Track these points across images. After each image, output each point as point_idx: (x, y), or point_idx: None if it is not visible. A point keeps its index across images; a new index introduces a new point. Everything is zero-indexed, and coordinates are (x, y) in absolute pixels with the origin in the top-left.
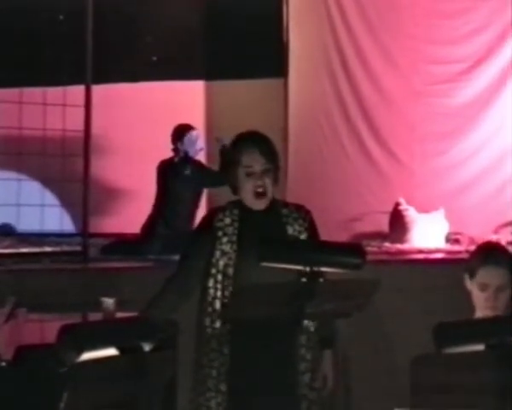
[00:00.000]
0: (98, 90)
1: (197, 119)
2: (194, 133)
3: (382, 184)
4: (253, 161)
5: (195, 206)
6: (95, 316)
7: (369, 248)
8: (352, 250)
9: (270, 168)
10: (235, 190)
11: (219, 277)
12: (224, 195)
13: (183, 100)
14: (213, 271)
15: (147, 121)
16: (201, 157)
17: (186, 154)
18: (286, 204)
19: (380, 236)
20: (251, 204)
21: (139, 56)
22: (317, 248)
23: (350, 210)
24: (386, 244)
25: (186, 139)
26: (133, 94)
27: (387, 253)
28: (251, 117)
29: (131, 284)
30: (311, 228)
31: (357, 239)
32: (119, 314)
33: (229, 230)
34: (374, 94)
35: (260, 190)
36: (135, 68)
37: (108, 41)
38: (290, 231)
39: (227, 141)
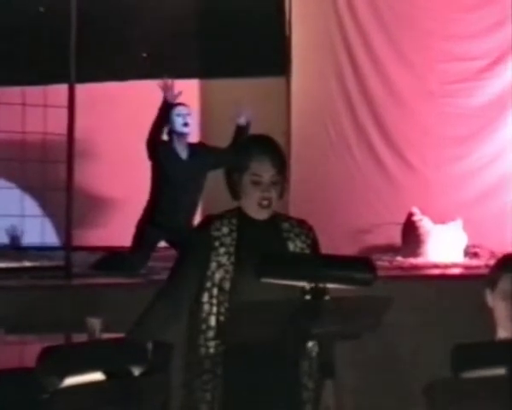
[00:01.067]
0: (82, 89)
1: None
2: (180, 108)
3: (394, 193)
4: (263, 170)
5: (196, 193)
6: (79, 337)
7: (379, 263)
8: (361, 265)
9: (279, 180)
10: (236, 195)
11: (215, 291)
12: (223, 199)
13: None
14: (208, 284)
15: (136, 124)
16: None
17: (170, 131)
18: (287, 218)
19: (391, 249)
20: (253, 213)
21: (127, 52)
22: (322, 263)
23: (358, 221)
24: (399, 258)
25: (172, 115)
26: (121, 94)
27: (400, 268)
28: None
29: (119, 302)
30: (314, 246)
31: (366, 253)
32: (106, 335)
33: (227, 240)
34: (385, 94)
35: (265, 202)
36: (122, 66)
37: (94, 36)
38: (291, 247)
39: (244, 118)
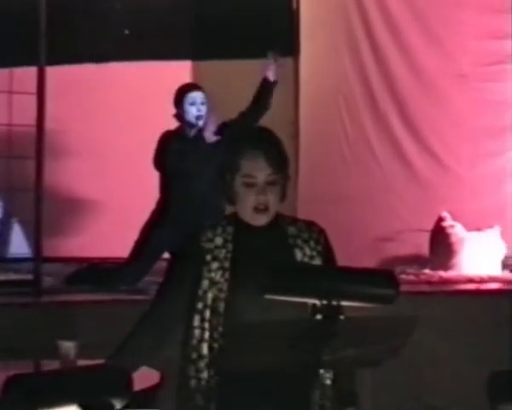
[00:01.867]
0: (54, 73)
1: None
2: (194, 94)
3: (421, 194)
4: (256, 169)
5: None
6: (51, 364)
7: (403, 277)
8: (382, 279)
9: (276, 180)
10: (231, 199)
11: (207, 313)
12: None
13: (164, 85)
14: (200, 306)
15: (117, 113)
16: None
17: (181, 118)
18: (293, 220)
19: (417, 260)
20: (249, 219)
21: (107, 30)
22: (336, 276)
23: (379, 227)
24: (427, 271)
25: (185, 103)
26: (99, 78)
27: (428, 282)
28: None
29: (97, 322)
30: (327, 252)
31: (388, 265)
32: (82, 362)
33: (221, 253)
34: (409, 77)
35: (261, 207)
36: (101, 45)
37: (66, 11)
38: (299, 255)
39: (272, 74)
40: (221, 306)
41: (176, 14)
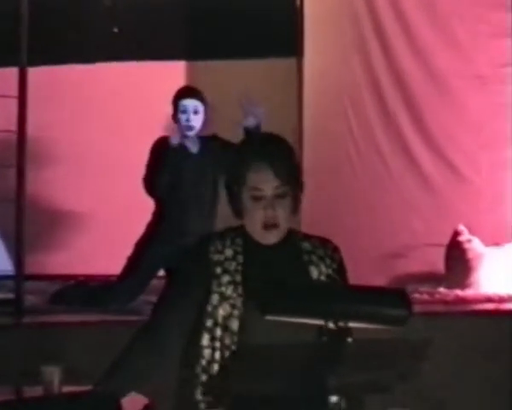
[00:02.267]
0: (36, 74)
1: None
2: (186, 101)
3: (435, 206)
4: (262, 181)
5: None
6: (33, 391)
7: (416, 296)
8: (393, 298)
9: (286, 192)
10: (238, 212)
11: (218, 332)
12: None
13: (156, 88)
14: (209, 323)
15: (106, 118)
16: None
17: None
18: (306, 236)
19: (432, 278)
20: (258, 237)
21: (94, 28)
22: (343, 295)
23: (389, 242)
24: (441, 290)
25: (178, 109)
26: (86, 80)
27: (443, 301)
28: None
29: (84, 345)
30: (341, 271)
31: (399, 283)
32: (67, 388)
33: (232, 266)
34: (422, 78)
35: (270, 222)
36: (88, 44)
37: (51, 8)
38: (315, 273)
39: (253, 118)
40: (235, 324)
41: (169, 11)
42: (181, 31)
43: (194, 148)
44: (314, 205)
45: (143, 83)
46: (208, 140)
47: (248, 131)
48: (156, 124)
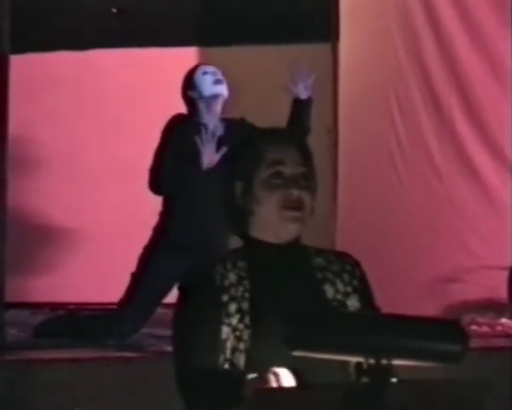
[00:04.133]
0: (19, 62)
1: (183, 107)
2: (204, 66)
3: (496, 222)
4: (285, 156)
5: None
6: None
7: (474, 328)
8: (446, 331)
9: (310, 175)
10: (240, 221)
11: (226, 368)
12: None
13: (163, 79)
14: (221, 359)
15: (102, 115)
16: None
17: (193, 102)
18: (319, 251)
19: (493, 307)
20: (275, 226)
21: (88, 8)
22: (385, 327)
23: (442, 264)
24: (504, 321)
25: (197, 77)
26: (78, 70)
27: (505, 335)
28: (275, 107)
29: (75, 386)
30: (364, 288)
31: (453, 312)
32: None
33: (238, 292)
34: (483, 70)
35: (294, 204)
36: (80, 27)
37: None
38: (330, 292)
39: (304, 88)
40: (241, 359)
41: None
42: (193, 12)
43: (219, 129)
44: (351, 221)
45: (147, 73)
46: (235, 123)
47: (298, 103)
48: (162, 121)
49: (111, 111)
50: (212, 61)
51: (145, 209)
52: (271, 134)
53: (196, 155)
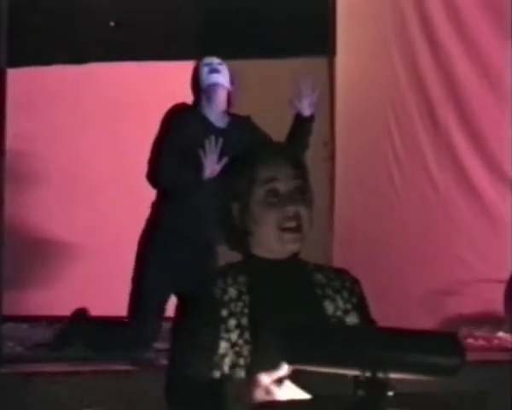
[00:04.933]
0: (17, 76)
1: None
2: (206, 59)
3: (493, 235)
4: (279, 171)
5: None
6: None
7: (470, 341)
8: (442, 344)
9: (306, 188)
10: (238, 238)
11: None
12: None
13: (161, 93)
14: (217, 375)
15: (99, 128)
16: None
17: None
18: (318, 267)
19: (489, 320)
20: (273, 246)
21: (86, 21)
22: (382, 340)
23: (439, 278)
24: (500, 334)
25: (199, 69)
26: (75, 84)
27: (502, 349)
28: (274, 120)
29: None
30: (363, 306)
31: (449, 325)
32: None
33: (237, 307)
34: (479, 84)
35: (291, 224)
36: (79, 41)
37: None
38: (330, 308)
39: (308, 104)
40: (241, 375)
41: (177, 1)
42: (192, 25)
43: (220, 122)
44: (348, 234)
45: (146, 87)
46: (240, 120)
47: (300, 119)
48: None
49: (110, 124)
50: None
51: (143, 223)
52: (263, 151)
53: (196, 158)
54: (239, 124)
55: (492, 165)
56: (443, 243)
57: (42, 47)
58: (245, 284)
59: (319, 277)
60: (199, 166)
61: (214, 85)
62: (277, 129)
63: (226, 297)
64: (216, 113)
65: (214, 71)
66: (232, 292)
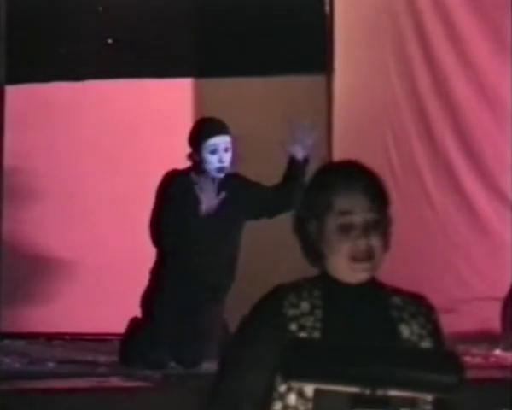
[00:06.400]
0: (16, 93)
1: (181, 140)
2: (216, 139)
3: (490, 253)
4: (354, 204)
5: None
6: None
7: (468, 359)
8: (441, 361)
9: (380, 221)
10: (315, 256)
11: (292, 398)
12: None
13: (159, 110)
14: (282, 388)
15: (97, 145)
16: None
17: (197, 164)
18: (395, 290)
19: (486, 338)
20: (344, 274)
21: (85, 38)
22: (382, 358)
23: (436, 295)
24: (498, 352)
25: (204, 151)
26: (73, 101)
27: (499, 366)
28: (270, 137)
29: None
30: (438, 333)
31: (448, 343)
32: None
33: (309, 321)
34: (477, 102)
35: (362, 255)
36: (77, 59)
37: (32, 13)
38: (406, 333)
39: (302, 148)
40: (309, 388)
41: (175, 19)
42: (189, 42)
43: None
44: None
45: (144, 104)
46: (229, 179)
47: (293, 163)
48: (158, 154)
49: (108, 142)
50: (207, 92)
51: (140, 241)
52: (340, 182)
53: (193, 203)
54: (229, 184)
55: (490, 182)
56: (440, 261)
57: (40, 64)
58: (320, 298)
59: (396, 300)
60: (191, 230)
61: (222, 170)
62: (275, 147)
63: (297, 312)
64: (209, 186)
65: (221, 170)
66: (305, 306)
